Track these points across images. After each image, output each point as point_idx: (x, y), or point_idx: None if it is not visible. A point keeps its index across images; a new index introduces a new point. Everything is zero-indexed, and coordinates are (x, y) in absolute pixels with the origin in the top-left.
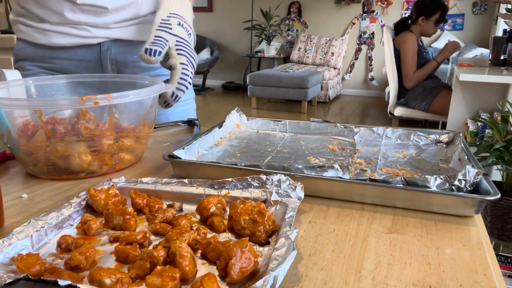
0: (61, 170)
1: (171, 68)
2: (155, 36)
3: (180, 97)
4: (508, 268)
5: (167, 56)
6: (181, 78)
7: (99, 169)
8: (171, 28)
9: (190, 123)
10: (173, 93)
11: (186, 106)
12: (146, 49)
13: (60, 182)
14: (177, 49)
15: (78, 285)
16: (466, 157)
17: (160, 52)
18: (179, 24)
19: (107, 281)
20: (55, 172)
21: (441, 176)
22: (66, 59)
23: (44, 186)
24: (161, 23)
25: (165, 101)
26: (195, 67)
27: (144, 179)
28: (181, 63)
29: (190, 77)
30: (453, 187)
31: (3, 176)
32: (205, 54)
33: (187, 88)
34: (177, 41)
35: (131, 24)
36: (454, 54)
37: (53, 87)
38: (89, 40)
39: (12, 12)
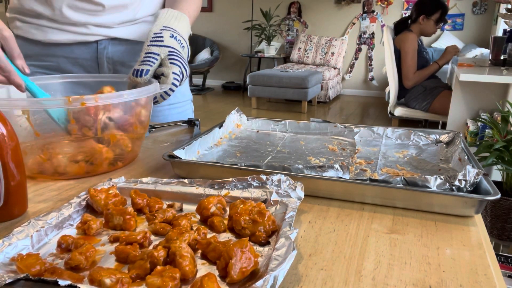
0: (59, 170)
1: (162, 75)
2: (146, 53)
3: (158, 103)
4: (508, 268)
5: (160, 65)
6: (169, 89)
7: (91, 171)
8: (162, 41)
9: (190, 123)
10: (155, 97)
11: (184, 108)
12: (134, 70)
13: (60, 182)
14: (169, 59)
15: (78, 285)
16: (466, 157)
17: (148, 71)
18: (171, 36)
19: (107, 281)
20: (54, 172)
21: (441, 176)
22: (62, 57)
23: (44, 186)
24: (152, 37)
25: None
26: (186, 78)
27: (144, 179)
28: (173, 73)
29: (177, 87)
30: (453, 187)
31: None
32: (205, 54)
33: (169, 96)
34: (169, 51)
35: (128, 24)
36: None
37: (49, 87)
38: (86, 37)
39: (9, 9)
